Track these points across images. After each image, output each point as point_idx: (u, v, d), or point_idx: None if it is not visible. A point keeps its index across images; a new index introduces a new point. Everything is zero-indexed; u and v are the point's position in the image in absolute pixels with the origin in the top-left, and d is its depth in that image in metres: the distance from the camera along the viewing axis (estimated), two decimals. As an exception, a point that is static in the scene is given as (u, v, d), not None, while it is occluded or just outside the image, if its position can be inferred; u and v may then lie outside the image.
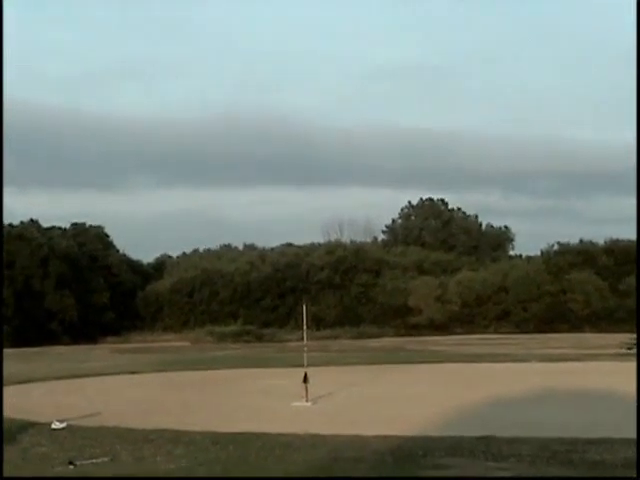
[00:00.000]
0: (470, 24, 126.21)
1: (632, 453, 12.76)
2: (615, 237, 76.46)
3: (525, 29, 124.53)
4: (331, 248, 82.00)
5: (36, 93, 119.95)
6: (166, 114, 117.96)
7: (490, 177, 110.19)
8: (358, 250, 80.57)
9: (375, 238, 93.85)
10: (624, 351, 36.69)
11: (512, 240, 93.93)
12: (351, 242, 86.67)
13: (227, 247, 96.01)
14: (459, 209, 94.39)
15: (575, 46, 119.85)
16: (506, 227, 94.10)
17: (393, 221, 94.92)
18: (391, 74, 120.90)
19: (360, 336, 66.99)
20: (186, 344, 63.15)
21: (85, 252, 76.08)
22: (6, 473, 12.30)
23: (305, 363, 22.08)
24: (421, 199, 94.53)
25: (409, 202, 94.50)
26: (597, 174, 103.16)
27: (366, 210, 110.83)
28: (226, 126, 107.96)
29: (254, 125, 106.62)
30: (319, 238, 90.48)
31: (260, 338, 65.91)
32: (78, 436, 15.92)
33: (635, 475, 11.51)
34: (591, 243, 78.29)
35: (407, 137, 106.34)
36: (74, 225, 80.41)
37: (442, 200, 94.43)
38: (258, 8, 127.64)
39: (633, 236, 62.35)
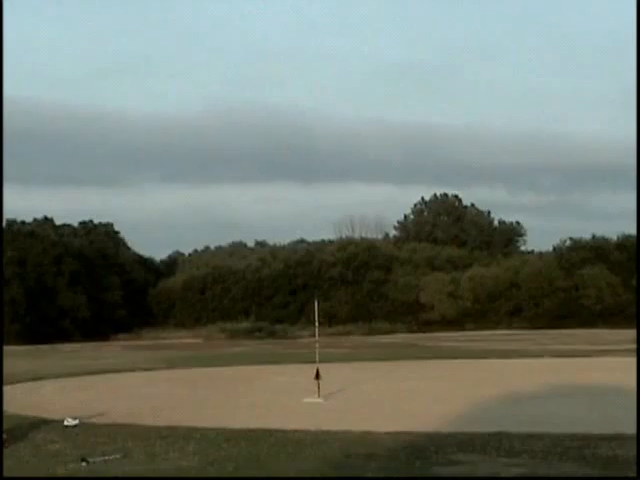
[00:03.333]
0: (472, 21, 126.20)
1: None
2: (628, 233, 76.14)
3: (527, 24, 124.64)
4: (343, 244, 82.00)
5: (36, 91, 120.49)
6: (168, 110, 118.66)
7: (495, 173, 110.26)
8: (370, 246, 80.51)
9: (387, 234, 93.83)
10: (637, 346, 36.56)
11: (523, 235, 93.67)
12: (363, 239, 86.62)
13: (238, 244, 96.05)
14: (473, 205, 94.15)
15: (578, 41, 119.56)
16: (517, 223, 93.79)
17: (405, 217, 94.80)
18: (393, 70, 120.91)
19: (372, 332, 66.95)
20: (198, 341, 63.22)
21: (97, 250, 76.22)
22: (18, 470, 12.33)
23: (317, 359, 22.07)
24: (435, 195, 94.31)
25: (422, 198, 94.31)
26: (606, 168, 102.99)
27: (372, 206, 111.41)
28: (227, 123, 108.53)
29: (255, 122, 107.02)
30: (331, 235, 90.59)
31: (272, 335, 65.94)
32: (90, 433, 15.95)
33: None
34: (603, 239, 78.02)
35: (411, 133, 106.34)
36: (83, 223, 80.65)
37: (456, 196, 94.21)
38: (258, 5, 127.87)
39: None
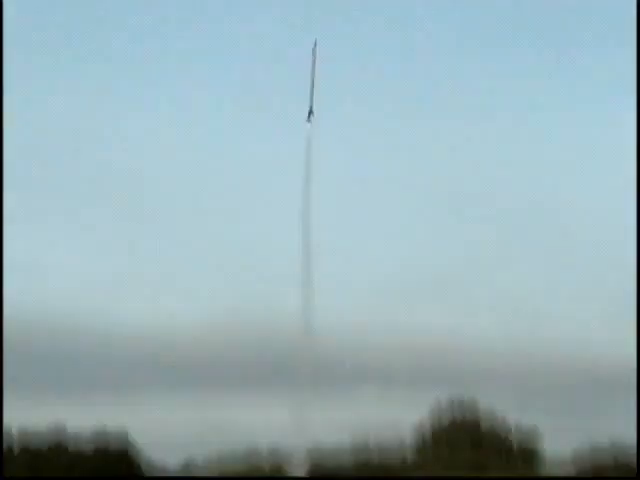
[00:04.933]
0: (472, 231, 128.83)
1: None
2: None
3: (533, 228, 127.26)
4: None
5: (42, 304, 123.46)
6: (175, 322, 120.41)
7: (501, 382, 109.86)
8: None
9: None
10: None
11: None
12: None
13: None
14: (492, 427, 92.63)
15: (584, 250, 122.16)
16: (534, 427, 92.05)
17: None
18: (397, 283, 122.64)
19: None
20: None
21: (109, 458, 75.74)
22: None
23: None
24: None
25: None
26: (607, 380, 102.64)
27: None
28: (230, 333, 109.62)
29: (259, 330, 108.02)
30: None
31: None
32: None
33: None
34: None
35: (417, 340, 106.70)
36: (95, 432, 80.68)
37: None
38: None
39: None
